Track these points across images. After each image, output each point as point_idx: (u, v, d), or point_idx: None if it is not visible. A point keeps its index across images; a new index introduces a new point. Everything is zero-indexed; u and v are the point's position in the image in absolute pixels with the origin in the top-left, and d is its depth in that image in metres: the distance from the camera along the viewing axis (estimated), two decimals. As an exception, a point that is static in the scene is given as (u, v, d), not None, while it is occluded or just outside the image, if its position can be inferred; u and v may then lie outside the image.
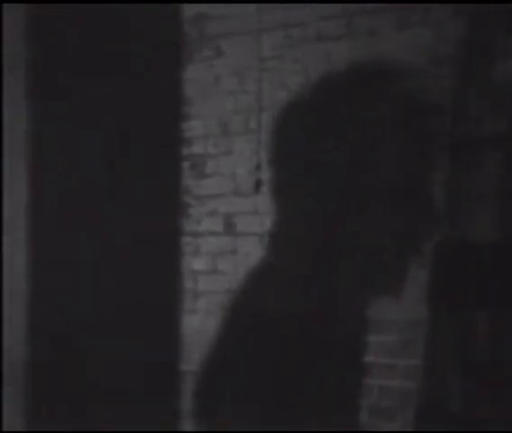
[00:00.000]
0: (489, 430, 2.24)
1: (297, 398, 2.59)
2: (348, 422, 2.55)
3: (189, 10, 2.89)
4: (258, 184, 2.71)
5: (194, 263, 2.89)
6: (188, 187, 2.92)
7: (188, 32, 2.91)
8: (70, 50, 2.67)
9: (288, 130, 2.70)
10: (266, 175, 2.72)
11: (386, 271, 2.52)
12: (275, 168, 2.71)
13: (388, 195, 2.52)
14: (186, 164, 2.93)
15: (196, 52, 2.89)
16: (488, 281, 2.31)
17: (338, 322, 2.57)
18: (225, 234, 2.84)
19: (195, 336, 2.85)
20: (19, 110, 2.56)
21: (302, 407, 2.57)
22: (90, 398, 2.64)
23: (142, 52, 2.82)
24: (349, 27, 2.59)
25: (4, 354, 2.53)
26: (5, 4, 2.52)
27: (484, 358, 2.32)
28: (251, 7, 2.74)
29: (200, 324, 2.86)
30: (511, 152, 2.30)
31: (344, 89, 2.59)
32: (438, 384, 2.37)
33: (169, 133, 2.90)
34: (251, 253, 2.76)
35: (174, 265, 2.89)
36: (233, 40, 2.81)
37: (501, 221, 2.32)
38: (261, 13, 2.72)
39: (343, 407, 2.56)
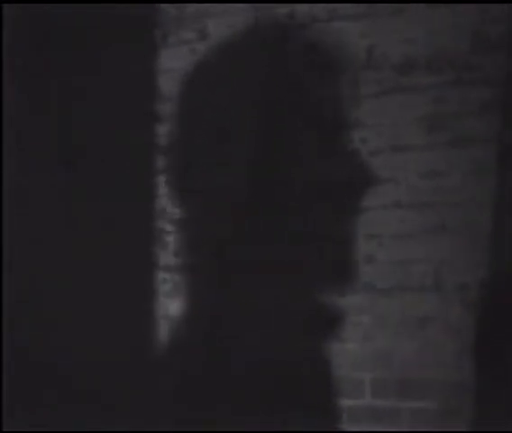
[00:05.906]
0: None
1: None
2: None
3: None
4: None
5: (170, 307, 2.57)
6: (165, 208, 2.59)
7: (165, 10, 2.64)
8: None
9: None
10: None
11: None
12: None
13: (421, 213, 2.27)
14: (161, 179, 2.61)
15: (174, 35, 2.63)
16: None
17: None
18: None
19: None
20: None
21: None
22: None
23: (103, 36, 2.60)
24: (369, 5, 2.36)
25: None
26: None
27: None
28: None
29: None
30: None
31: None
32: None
33: (140, 139, 2.63)
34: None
35: (146, 309, 2.58)
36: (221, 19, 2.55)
37: None
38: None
39: None
